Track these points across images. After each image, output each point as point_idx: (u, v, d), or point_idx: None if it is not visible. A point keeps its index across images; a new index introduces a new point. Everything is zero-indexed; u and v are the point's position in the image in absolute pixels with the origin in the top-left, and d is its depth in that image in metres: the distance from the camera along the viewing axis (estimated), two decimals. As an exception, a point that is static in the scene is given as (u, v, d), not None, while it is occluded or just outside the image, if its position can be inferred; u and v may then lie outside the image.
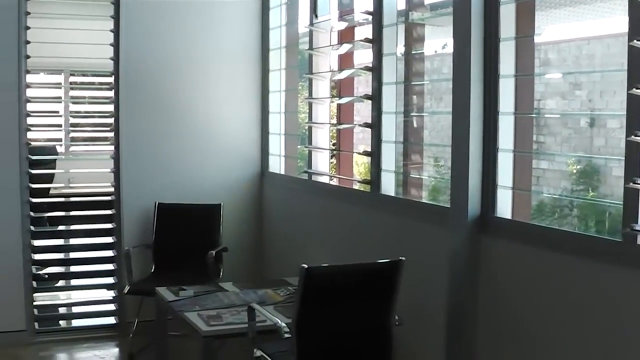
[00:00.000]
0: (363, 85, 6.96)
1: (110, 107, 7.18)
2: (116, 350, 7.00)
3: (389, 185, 5.63)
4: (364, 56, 6.09)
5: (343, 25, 6.43)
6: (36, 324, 7.04)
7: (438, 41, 6.54)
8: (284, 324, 4.50)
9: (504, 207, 4.50)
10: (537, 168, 6.87)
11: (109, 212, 7.24)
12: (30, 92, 6.88)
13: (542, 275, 4.14)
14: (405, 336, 4.83)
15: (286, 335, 4.42)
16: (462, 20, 4.52)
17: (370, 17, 5.70)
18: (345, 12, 6.39)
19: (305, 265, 4.30)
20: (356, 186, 6.33)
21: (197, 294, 5.65)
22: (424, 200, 5.65)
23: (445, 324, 4.72)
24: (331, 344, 4.53)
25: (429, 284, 4.96)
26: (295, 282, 4.66)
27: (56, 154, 8.73)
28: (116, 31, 6.99)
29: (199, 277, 6.44)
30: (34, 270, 7.01)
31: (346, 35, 6.49)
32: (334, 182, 6.62)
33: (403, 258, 4.48)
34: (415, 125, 5.80)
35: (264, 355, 4.69)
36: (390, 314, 4.55)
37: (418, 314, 5.02)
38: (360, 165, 8.11)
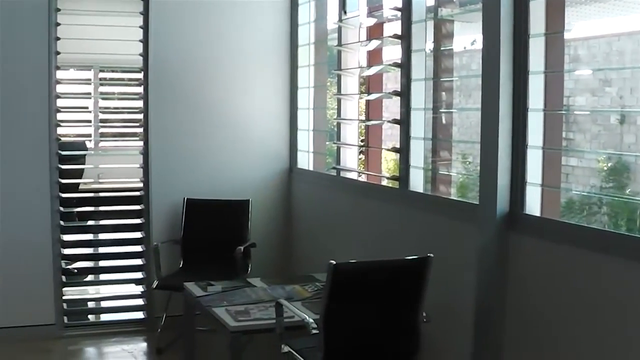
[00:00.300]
0: (392, 81, 6.95)
1: (140, 103, 7.21)
2: (144, 344, 7.03)
3: (417, 182, 5.62)
4: (392, 52, 6.08)
5: (372, 21, 6.43)
6: (65, 318, 7.10)
7: (467, 37, 6.51)
8: (311, 320, 4.50)
9: (533, 204, 4.48)
10: (566, 165, 6.84)
11: (137, 207, 7.28)
12: (60, 88, 6.93)
13: (571, 274, 4.12)
14: (433, 333, 4.82)
15: (314, 331, 4.42)
16: (491, 16, 4.50)
17: (399, 13, 5.69)
18: (374, 8, 6.38)
19: (333, 262, 4.30)
20: (384, 182, 6.32)
21: (225, 289, 5.67)
22: (452, 197, 5.64)
23: (472, 322, 4.70)
24: (359, 340, 4.53)
25: (457, 281, 4.95)
26: (323, 278, 4.66)
27: (86, 149, 8.79)
28: (145, 27, 7.02)
29: (227, 273, 6.46)
30: (63, 265, 7.06)
31: (375, 32, 6.48)
32: (363, 178, 6.61)
33: (431, 255, 4.48)
34: (444, 121, 5.78)
35: (292, 351, 4.69)
36: (418, 310, 4.54)
37: (446, 311, 5.01)
38: (388, 162, 8.10)
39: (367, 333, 4.53)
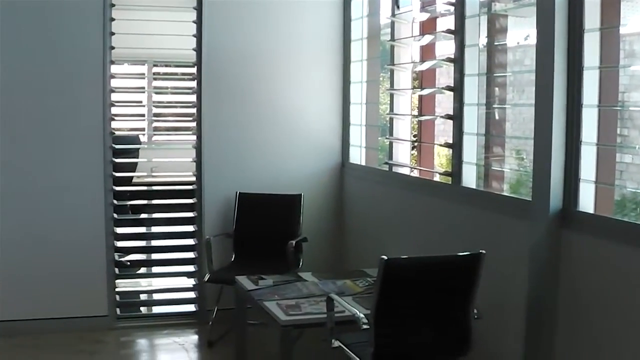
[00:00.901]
0: (445, 76, 6.92)
1: (193, 98, 7.25)
2: (195, 337, 7.07)
3: (470, 178, 5.59)
4: (445, 47, 6.05)
5: (425, 16, 6.40)
6: (118, 310, 7.17)
7: (521, 32, 6.46)
8: (362, 315, 4.49)
9: (587, 201, 4.43)
10: (620, 162, 6.76)
11: (190, 201, 7.33)
12: (114, 83, 6.99)
13: (625, 272, 4.07)
14: (484, 330, 4.79)
15: (364, 327, 4.41)
16: (545, 11, 4.47)
17: (452, 8, 5.67)
18: (427, 3, 6.35)
19: (385, 257, 4.29)
20: (437, 178, 6.30)
21: (276, 283, 5.68)
22: (505, 193, 5.60)
23: (524, 319, 4.67)
24: (409, 336, 4.52)
25: (509, 278, 4.91)
26: (374, 273, 4.66)
27: (139, 143, 8.86)
28: (198, 22, 7.06)
29: (279, 267, 6.48)
30: (116, 257, 7.12)
31: (428, 26, 6.45)
32: (415, 173, 6.59)
33: (483, 251, 4.45)
34: (497, 117, 5.74)
35: (342, 345, 4.69)
36: (469, 307, 4.52)
37: (497, 309, 4.98)
38: (441, 157, 8.07)
39: (417, 329, 4.52)
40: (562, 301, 4.51)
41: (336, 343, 4.72)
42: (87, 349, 6.60)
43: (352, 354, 4.59)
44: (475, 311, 4.56)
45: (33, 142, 6.80)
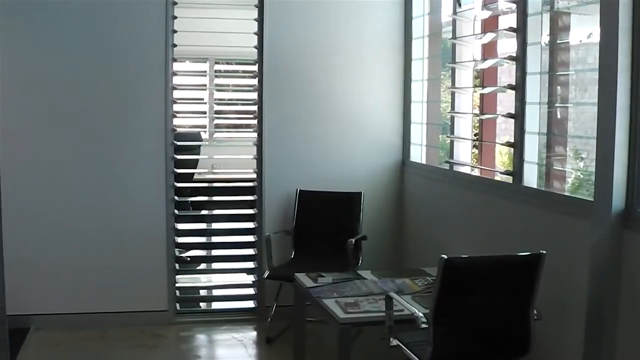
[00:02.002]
0: (506, 75, 6.86)
1: (254, 95, 7.28)
2: (254, 333, 7.11)
3: (531, 177, 5.54)
4: (507, 45, 6.00)
5: (487, 14, 6.36)
6: (177, 305, 7.25)
7: (584, 30, 6.38)
8: (421, 314, 4.47)
9: (650, 202, 4.38)
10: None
11: (250, 198, 7.36)
12: (176, 80, 7.05)
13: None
14: (544, 331, 4.76)
15: (423, 326, 4.40)
16: (609, 8, 4.41)
17: (514, 6, 5.62)
18: (489, 1, 6.31)
19: (445, 256, 4.27)
20: (498, 177, 6.25)
21: (335, 281, 5.69)
22: (566, 193, 5.54)
23: (584, 321, 4.61)
24: (468, 336, 4.50)
25: (570, 279, 4.86)
26: (433, 272, 4.64)
27: (200, 140, 8.91)
28: (260, 20, 7.09)
29: (338, 265, 6.49)
30: (176, 253, 7.19)
31: (490, 24, 6.41)
32: (476, 172, 6.56)
33: (544, 251, 4.41)
34: (559, 116, 5.68)
35: (401, 344, 4.68)
36: (530, 308, 4.48)
37: (557, 309, 4.93)
38: (502, 156, 8.01)
39: (477, 329, 4.50)
40: (623, 302, 4.45)
41: (394, 342, 4.72)
42: (147, 343, 6.68)
43: (411, 353, 4.58)
44: (535, 312, 4.52)
45: (97, 139, 6.90)
